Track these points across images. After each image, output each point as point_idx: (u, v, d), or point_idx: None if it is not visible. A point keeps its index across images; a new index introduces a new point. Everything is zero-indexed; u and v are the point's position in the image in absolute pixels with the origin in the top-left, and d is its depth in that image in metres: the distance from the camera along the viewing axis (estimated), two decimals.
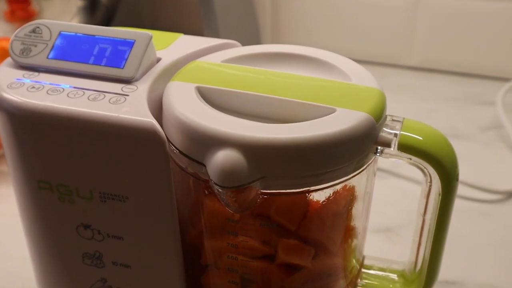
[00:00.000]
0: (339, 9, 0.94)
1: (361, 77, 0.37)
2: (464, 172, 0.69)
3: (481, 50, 0.91)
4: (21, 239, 0.44)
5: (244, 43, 0.43)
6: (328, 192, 0.37)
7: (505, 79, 0.87)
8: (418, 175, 0.70)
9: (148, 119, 0.34)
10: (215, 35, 0.80)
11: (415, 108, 0.86)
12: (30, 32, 0.39)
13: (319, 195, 0.37)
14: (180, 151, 0.35)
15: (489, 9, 0.88)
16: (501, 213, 0.65)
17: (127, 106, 0.35)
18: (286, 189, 0.34)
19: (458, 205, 0.66)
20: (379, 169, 0.72)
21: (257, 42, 0.92)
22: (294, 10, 0.95)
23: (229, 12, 0.84)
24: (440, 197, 0.36)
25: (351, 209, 0.40)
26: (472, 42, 0.91)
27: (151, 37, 0.38)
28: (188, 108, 0.34)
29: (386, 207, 0.66)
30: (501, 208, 0.66)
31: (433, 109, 0.86)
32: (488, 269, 0.58)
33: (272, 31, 0.97)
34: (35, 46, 0.39)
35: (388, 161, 0.73)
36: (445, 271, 0.57)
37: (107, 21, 0.93)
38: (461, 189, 0.68)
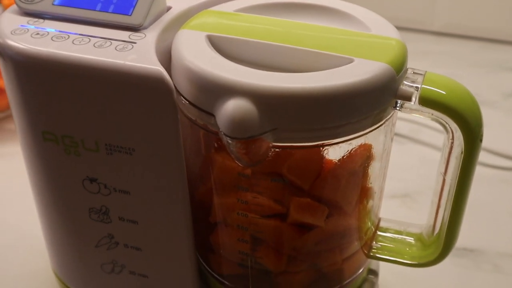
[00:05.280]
0: None
1: (381, 28, 0.36)
2: (486, 139, 0.66)
3: (506, 15, 0.87)
4: (30, 197, 0.43)
5: None
6: (344, 149, 0.35)
7: None
8: (438, 141, 0.68)
9: (155, 67, 0.32)
10: None
11: None
12: None
13: (335, 152, 0.35)
14: (189, 102, 0.33)
15: None
16: None
17: (134, 54, 0.33)
18: (299, 143, 0.33)
19: (478, 172, 0.64)
20: (397, 135, 0.70)
21: None
22: None
23: None
24: (463, 156, 0.34)
25: (367, 168, 0.38)
26: (496, 6, 0.87)
27: None
28: (197, 56, 0.32)
29: (404, 173, 0.64)
30: None
31: (455, 75, 0.82)
32: (508, 238, 0.56)
33: None
34: None
35: (407, 126, 0.71)
36: (463, 238, 0.55)
37: None
38: (482, 156, 0.66)
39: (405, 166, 0.65)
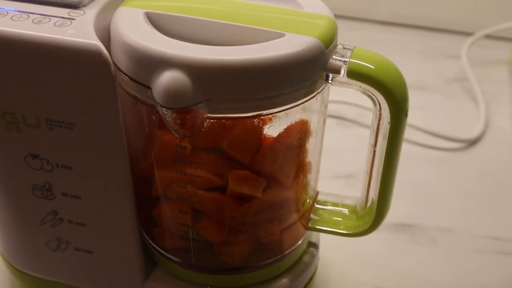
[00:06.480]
0: None
1: (313, 6, 0.37)
2: (428, 122, 0.70)
3: (447, 5, 0.91)
4: None
5: None
6: (281, 123, 0.37)
7: (469, 33, 0.87)
8: None
9: (93, 41, 0.33)
10: None
11: None
12: None
13: (273, 127, 0.37)
14: (128, 76, 0.34)
15: None
16: (461, 161, 0.67)
17: (73, 29, 0.34)
18: (233, 114, 0.34)
19: (420, 152, 0.68)
20: (343, 119, 0.73)
21: None
22: None
23: None
24: (389, 126, 0.36)
25: (303, 143, 0.40)
26: None
27: None
28: (134, 31, 0.33)
29: (349, 155, 0.66)
30: (461, 156, 0.67)
31: (400, 62, 0.84)
32: (445, 214, 0.59)
33: None
34: None
35: (353, 110, 0.73)
36: (403, 215, 0.58)
37: None
38: (423, 138, 0.69)
39: (350, 148, 0.67)
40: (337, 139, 0.69)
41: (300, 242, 0.44)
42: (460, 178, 0.64)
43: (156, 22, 0.35)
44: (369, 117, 0.72)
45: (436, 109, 0.76)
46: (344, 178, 0.63)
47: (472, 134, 0.69)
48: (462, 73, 0.81)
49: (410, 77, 0.86)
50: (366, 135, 0.70)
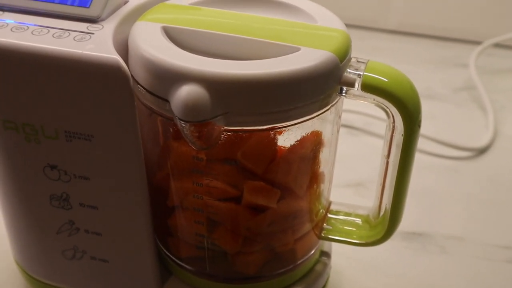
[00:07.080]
0: None
1: (327, 20, 0.38)
2: (437, 130, 0.70)
3: (456, 14, 0.91)
4: None
5: None
6: (295, 135, 0.37)
7: (477, 42, 0.88)
8: None
9: (113, 56, 0.34)
10: None
11: None
12: None
13: (286, 138, 0.38)
14: (146, 89, 0.35)
15: None
16: (470, 169, 0.67)
17: (92, 43, 0.35)
18: (250, 126, 0.34)
19: (429, 161, 0.68)
20: (352, 127, 0.73)
21: None
22: None
23: None
24: (403, 139, 0.37)
25: (317, 154, 0.40)
26: (447, 6, 0.91)
27: None
28: (152, 45, 0.34)
29: (358, 163, 0.67)
30: (470, 164, 0.68)
31: (409, 71, 0.85)
32: (454, 222, 0.59)
33: None
34: None
35: (361, 119, 0.73)
36: (413, 223, 0.59)
37: None
38: (432, 146, 0.69)
39: (358, 156, 0.68)
40: (346, 147, 0.69)
41: (313, 252, 0.44)
42: (469, 187, 0.64)
43: (173, 36, 0.36)
44: (376, 126, 0.73)
45: (444, 118, 0.76)
46: (354, 187, 0.63)
47: (481, 142, 0.70)
48: (470, 82, 0.82)
49: (418, 86, 0.85)
50: (374, 144, 0.71)
